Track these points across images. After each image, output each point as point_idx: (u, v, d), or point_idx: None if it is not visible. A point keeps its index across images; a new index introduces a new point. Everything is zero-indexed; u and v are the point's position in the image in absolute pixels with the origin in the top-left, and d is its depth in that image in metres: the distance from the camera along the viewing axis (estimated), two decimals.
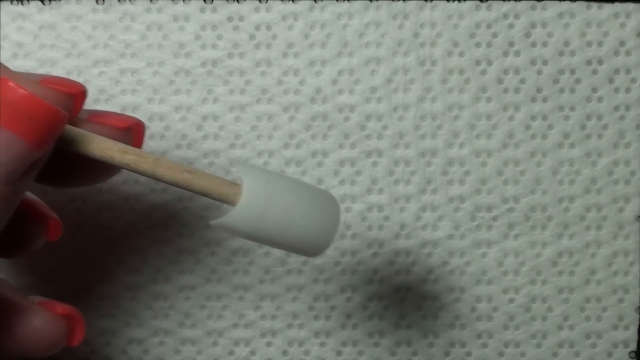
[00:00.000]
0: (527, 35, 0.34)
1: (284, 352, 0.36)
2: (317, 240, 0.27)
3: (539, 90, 0.34)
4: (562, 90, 0.34)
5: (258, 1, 0.34)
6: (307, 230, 0.26)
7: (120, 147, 0.26)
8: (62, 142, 0.25)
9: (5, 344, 0.27)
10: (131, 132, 0.29)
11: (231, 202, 0.26)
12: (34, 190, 0.31)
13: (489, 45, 0.34)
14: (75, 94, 0.27)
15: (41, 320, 0.27)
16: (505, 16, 0.34)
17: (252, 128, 0.35)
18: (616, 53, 0.34)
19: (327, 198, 0.27)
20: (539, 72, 0.34)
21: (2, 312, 0.27)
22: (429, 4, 0.34)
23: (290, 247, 0.26)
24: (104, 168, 0.28)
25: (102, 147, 0.26)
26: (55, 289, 0.35)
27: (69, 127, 0.26)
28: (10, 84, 0.24)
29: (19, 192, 0.25)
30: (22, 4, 0.34)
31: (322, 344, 0.36)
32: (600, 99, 0.34)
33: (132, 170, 0.26)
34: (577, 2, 0.34)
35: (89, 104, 0.34)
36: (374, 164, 0.35)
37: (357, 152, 0.35)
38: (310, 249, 0.27)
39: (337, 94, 0.34)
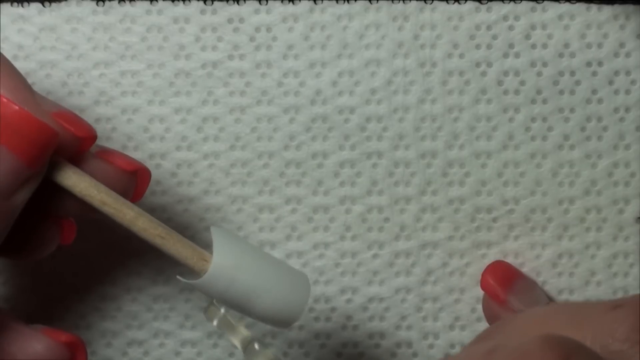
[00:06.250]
0: (527, 37, 0.34)
1: (285, 354, 0.36)
2: (283, 315, 0.28)
3: (538, 92, 0.34)
4: (562, 92, 0.34)
5: (258, 3, 0.34)
6: (272, 306, 0.27)
7: (102, 198, 0.26)
8: (53, 170, 0.26)
9: None
10: (136, 176, 0.29)
11: (198, 273, 0.27)
12: None
13: (489, 47, 0.34)
14: (82, 137, 0.27)
15: (42, 346, 0.28)
16: (505, 18, 0.34)
17: (252, 130, 0.35)
18: (616, 55, 0.34)
19: (297, 277, 0.28)
20: (539, 74, 0.34)
21: (4, 336, 0.27)
22: (429, 5, 0.34)
23: (257, 318, 0.28)
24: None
25: (85, 192, 0.26)
26: (56, 291, 0.35)
27: (65, 163, 0.26)
28: (4, 99, 0.24)
29: (14, 209, 0.25)
30: (22, 5, 0.34)
31: (323, 346, 0.36)
32: (600, 101, 0.34)
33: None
34: (577, 4, 0.34)
35: (89, 106, 0.34)
36: (374, 165, 0.35)
37: (357, 154, 0.35)
38: (277, 322, 0.28)
39: (337, 96, 0.34)
